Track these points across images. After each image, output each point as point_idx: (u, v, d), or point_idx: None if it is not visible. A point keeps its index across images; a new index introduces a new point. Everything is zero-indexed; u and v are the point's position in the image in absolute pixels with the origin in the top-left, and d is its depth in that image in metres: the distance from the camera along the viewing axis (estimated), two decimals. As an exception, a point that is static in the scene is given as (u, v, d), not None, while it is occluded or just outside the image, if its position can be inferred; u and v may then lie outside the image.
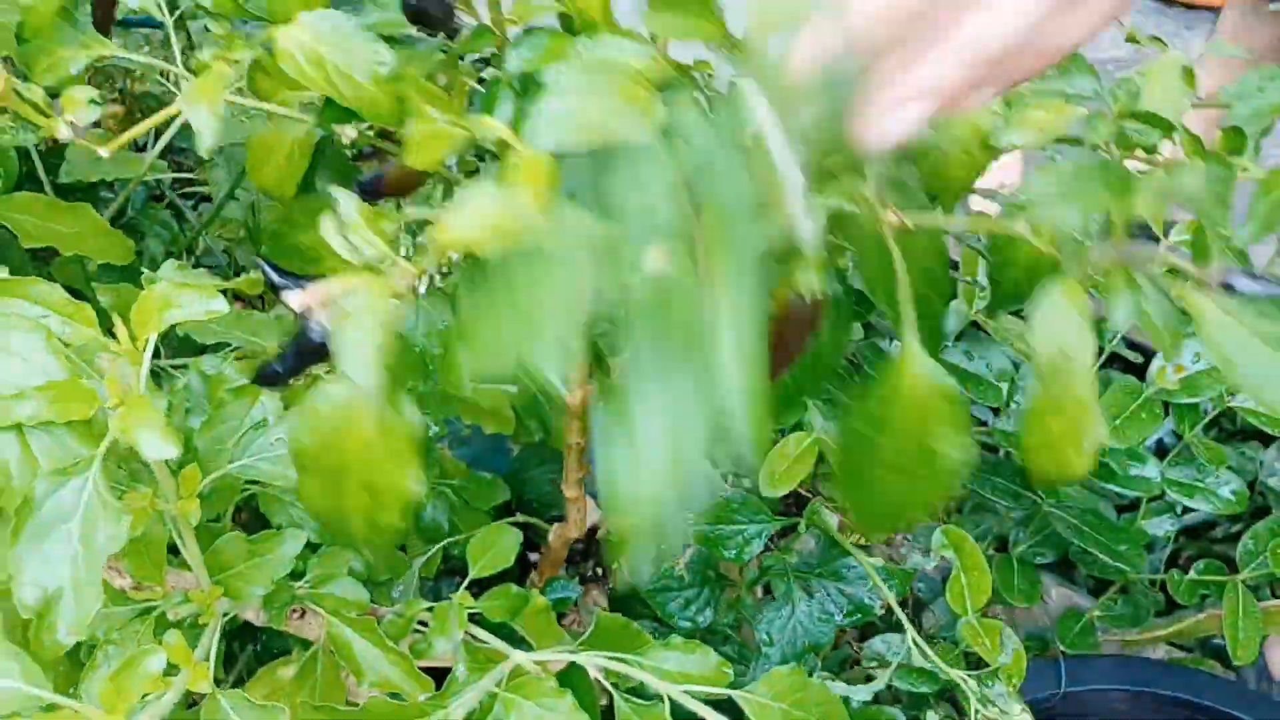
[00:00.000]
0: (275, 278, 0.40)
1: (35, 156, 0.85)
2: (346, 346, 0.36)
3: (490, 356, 0.35)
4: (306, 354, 0.38)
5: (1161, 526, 0.97)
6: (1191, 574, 0.94)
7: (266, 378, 0.41)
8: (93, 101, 0.55)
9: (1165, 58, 0.61)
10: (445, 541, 0.91)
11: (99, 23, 0.66)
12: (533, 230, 0.36)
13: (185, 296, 0.47)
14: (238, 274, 1.05)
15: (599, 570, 1.17)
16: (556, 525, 0.94)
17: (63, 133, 0.55)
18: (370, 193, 0.51)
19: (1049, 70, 0.58)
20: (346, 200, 0.38)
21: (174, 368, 0.72)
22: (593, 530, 1.16)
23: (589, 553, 1.17)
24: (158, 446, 0.45)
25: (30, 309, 0.47)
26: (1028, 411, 0.42)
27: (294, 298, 0.37)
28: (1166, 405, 0.89)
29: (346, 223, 0.38)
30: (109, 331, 0.48)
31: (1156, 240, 0.58)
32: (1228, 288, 0.38)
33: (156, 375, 0.71)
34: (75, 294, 0.49)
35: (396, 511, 0.39)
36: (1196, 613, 1.03)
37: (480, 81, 0.57)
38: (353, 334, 0.36)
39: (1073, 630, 1.03)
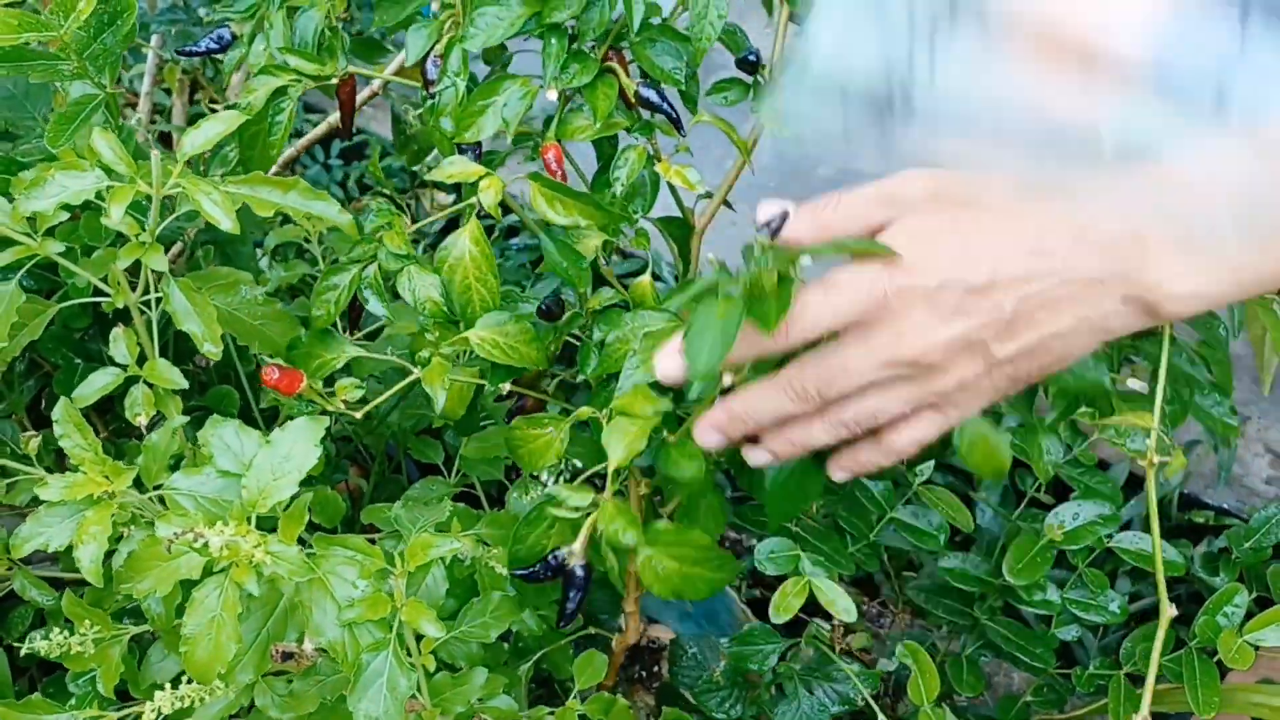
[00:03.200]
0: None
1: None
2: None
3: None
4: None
5: (1070, 633, 1.30)
6: (1090, 669, 1.28)
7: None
8: (357, 387, 0.91)
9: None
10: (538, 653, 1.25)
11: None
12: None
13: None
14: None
15: (644, 673, 1.51)
16: (617, 635, 1.28)
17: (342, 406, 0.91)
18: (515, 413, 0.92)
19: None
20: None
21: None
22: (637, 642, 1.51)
23: (636, 660, 1.52)
24: (431, 629, 0.81)
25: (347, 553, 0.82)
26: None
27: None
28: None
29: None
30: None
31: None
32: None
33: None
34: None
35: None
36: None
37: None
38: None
39: (1010, 712, 1.37)
